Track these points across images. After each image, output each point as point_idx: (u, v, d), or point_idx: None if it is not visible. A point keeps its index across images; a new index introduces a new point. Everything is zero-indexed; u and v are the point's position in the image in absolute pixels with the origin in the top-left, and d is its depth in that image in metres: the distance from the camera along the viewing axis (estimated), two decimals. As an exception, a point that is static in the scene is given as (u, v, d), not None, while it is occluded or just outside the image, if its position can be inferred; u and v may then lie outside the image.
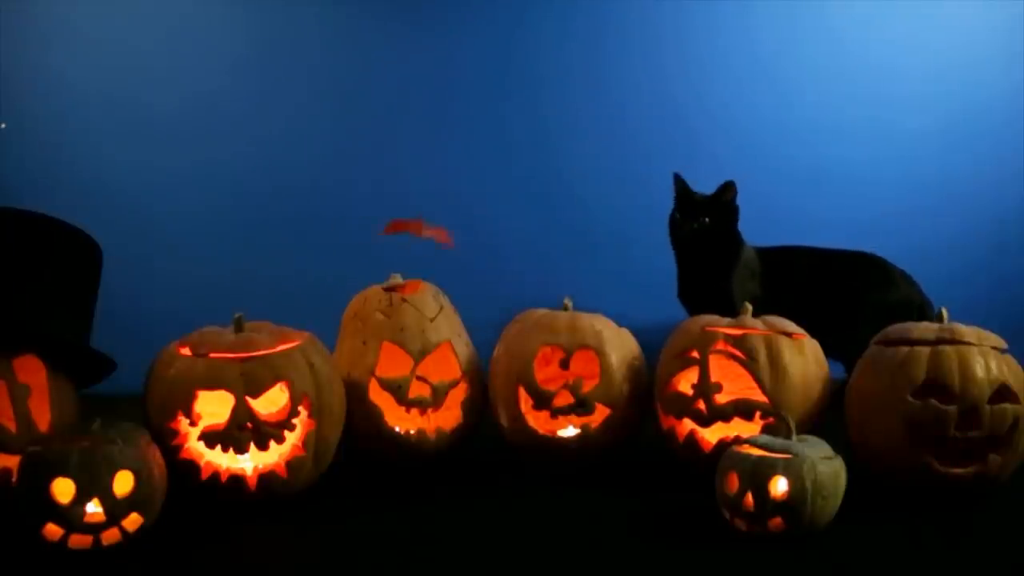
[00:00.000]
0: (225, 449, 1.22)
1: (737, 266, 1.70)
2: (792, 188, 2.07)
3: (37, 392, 1.21)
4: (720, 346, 1.34)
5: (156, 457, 1.15)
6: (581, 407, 1.38)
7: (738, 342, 1.33)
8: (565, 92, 2.08)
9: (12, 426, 1.18)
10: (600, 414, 1.39)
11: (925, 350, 1.24)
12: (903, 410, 1.22)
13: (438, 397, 1.42)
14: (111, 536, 1.08)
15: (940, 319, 1.31)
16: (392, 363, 1.41)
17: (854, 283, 1.72)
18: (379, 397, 1.40)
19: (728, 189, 1.68)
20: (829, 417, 1.35)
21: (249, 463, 1.24)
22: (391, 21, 2.08)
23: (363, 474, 1.41)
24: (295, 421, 1.25)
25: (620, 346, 1.42)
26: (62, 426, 1.21)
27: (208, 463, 1.24)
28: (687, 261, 1.73)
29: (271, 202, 2.07)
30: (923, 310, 1.68)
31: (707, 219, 1.67)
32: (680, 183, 1.71)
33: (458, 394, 1.44)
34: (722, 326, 1.36)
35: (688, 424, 1.36)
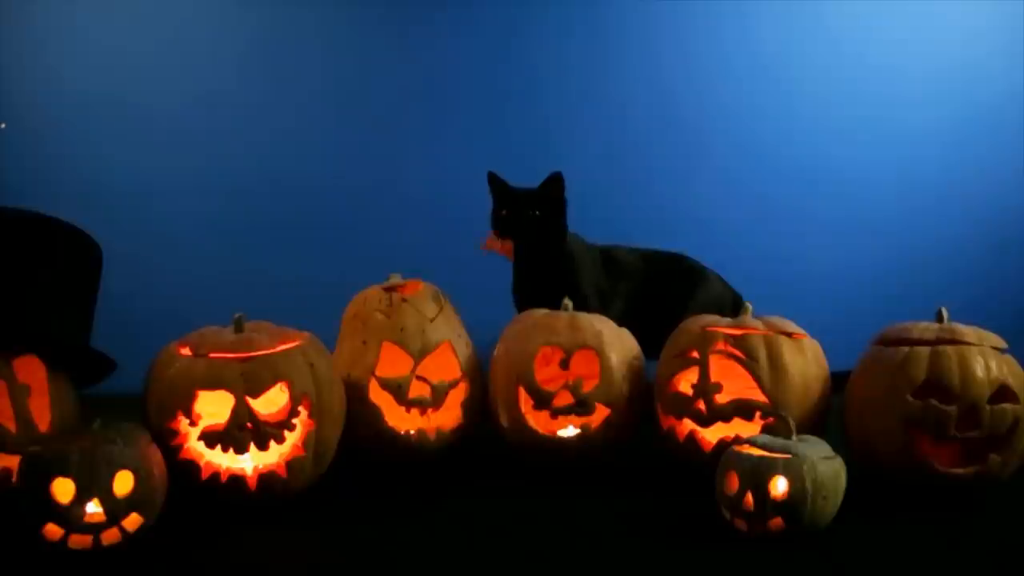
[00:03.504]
0: (225, 449, 1.22)
1: (578, 258, 1.67)
2: (793, 188, 2.08)
3: (37, 392, 1.21)
4: (720, 346, 1.34)
5: (156, 457, 1.15)
6: (581, 407, 1.38)
7: (738, 342, 1.33)
8: (565, 92, 2.08)
9: (12, 426, 1.18)
10: (600, 414, 1.39)
11: (925, 350, 1.24)
12: (903, 410, 1.22)
13: (438, 397, 1.42)
14: (111, 536, 1.08)
15: (940, 319, 1.31)
16: (392, 363, 1.41)
17: (671, 281, 1.69)
18: (379, 397, 1.40)
19: (556, 182, 1.63)
20: (828, 417, 1.35)
21: (249, 463, 1.24)
22: (390, 22, 2.08)
23: (363, 474, 1.41)
24: (295, 421, 1.25)
25: (620, 346, 1.42)
26: (62, 426, 1.21)
27: (208, 463, 1.24)
28: (522, 254, 1.68)
29: (271, 202, 2.07)
30: (735, 304, 1.66)
31: (537, 212, 1.62)
32: (496, 180, 1.67)
33: (458, 394, 1.44)
34: (722, 326, 1.36)
35: (688, 424, 1.36)
